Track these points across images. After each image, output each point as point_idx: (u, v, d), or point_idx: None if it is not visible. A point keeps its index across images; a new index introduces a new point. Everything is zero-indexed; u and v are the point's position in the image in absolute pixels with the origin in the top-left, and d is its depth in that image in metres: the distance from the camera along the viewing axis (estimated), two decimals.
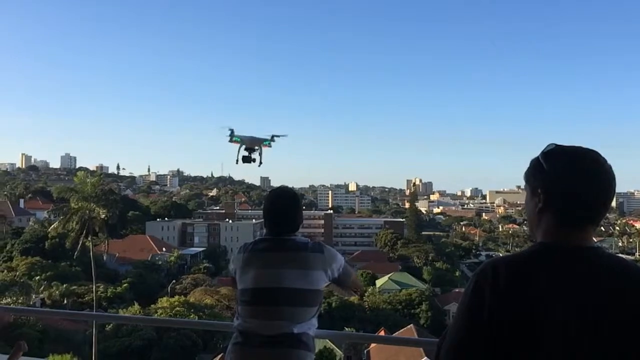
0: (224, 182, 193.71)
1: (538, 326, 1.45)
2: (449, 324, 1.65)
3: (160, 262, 60.09)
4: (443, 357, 1.54)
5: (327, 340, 31.13)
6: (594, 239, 1.63)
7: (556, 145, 1.63)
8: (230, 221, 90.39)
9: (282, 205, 2.97)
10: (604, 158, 1.60)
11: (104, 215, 42.05)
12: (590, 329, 1.44)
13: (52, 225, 47.49)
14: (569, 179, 1.56)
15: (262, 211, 3.09)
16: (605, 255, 1.59)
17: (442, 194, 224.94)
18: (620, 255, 1.77)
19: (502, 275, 1.51)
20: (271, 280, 2.79)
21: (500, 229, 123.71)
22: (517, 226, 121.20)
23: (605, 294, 1.48)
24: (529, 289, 1.48)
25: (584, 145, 1.64)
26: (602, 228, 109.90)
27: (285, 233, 2.90)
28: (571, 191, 1.56)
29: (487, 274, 1.54)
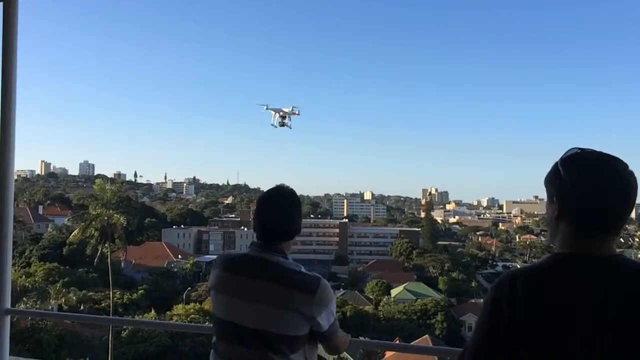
0: (240, 190, 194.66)
1: (558, 337, 1.43)
2: (469, 338, 1.63)
3: (175, 269, 60.41)
4: None
5: None
6: (615, 248, 1.58)
7: (578, 150, 1.60)
8: (246, 229, 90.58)
9: (274, 205, 2.37)
10: (623, 165, 1.56)
11: (125, 223, 42.60)
12: (611, 337, 1.42)
13: (73, 232, 48.11)
14: (583, 189, 1.53)
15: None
16: (627, 262, 1.55)
17: (458, 203, 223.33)
18: None
19: (520, 287, 1.49)
20: (241, 315, 2.22)
21: (517, 240, 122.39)
22: (534, 237, 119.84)
23: (625, 299, 1.45)
24: (547, 301, 1.46)
25: (610, 151, 1.60)
26: (621, 239, 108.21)
27: (276, 241, 2.30)
28: (585, 201, 1.53)
29: (504, 286, 1.52)
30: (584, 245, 1.54)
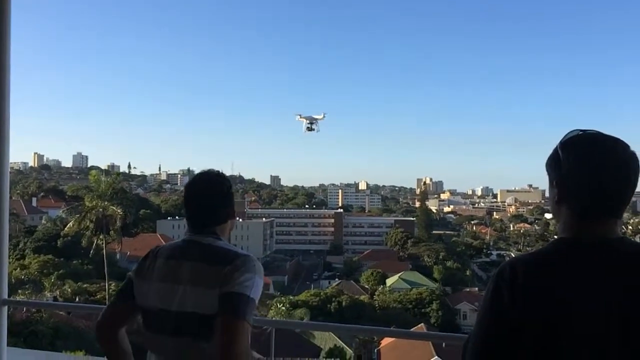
0: (234, 181, 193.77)
1: (559, 323, 1.40)
2: (471, 326, 1.60)
3: None
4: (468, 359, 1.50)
5: (338, 339, 31.21)
6: (618, 230, 1.53)
7: (579, 131, 1.56)
8: (241, 220, 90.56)
9: (200, 191, 2.23)
10: (624, 147, 1.52)
11: (122, 214, 42.52)
12: (616, 327, 1.38)
13: (68, 224, 47.96)
14: (582, 172, 1.50)
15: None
16: (630, 244, 1.51)
17: (453, 192, 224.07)
18: None
19: (520, 274, 1.46)
20: (165, 299, 2.06)
21: (512, 228, 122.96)
22: (528, 225, 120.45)
23: (627, 285, 1.41)
24: (548, 287, 1.43)
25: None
26: None
27: (207, 225, 2.17)
28: (584, 184, 1.50)
29: (505, 274, 1.49)
30: (585, 229, 1.50)
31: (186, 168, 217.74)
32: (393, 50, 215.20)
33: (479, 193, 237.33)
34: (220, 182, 2.27)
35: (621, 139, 1.55)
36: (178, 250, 2.16)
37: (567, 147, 1.55)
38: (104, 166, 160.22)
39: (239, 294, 1.93)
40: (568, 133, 1.57)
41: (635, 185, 1.52)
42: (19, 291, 36.49)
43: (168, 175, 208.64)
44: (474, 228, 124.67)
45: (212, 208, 2.21)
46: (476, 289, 58.77)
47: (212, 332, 1.93)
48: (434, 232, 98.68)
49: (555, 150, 1.57)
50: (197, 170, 2.38)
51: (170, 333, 2.05)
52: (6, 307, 3.86)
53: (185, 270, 2.06)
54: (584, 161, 1.51)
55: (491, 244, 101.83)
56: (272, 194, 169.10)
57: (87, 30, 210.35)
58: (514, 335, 1.42)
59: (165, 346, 2.08)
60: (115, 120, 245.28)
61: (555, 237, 1.61)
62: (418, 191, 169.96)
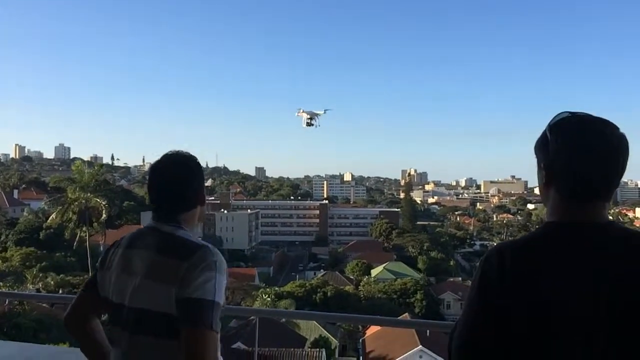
0: (219, 172, 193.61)
1: (548, 309, 1.38)
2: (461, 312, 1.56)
3: None
4: (455, 346, 1.48)
5: (323, 329, 31.37)
6: (606, 214, 1.51)
7: (568, 114, 1.53)
8: (226, 211, 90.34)
9: (165, 173, 2.03)
10: (612, 128, 1.49)
11: (106, 205, 42.15)
12: (603, 308, 1.36)
13: (51, 216, 47.39)
14: (569, 153, 1.47)
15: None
16: (619, 230, 1.49)
17: (437, 184, 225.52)
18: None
19: (507, 259, 1.44)
20: (120, 291, 1.94)
21: (495, 219, 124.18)
22: (511, 216, 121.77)
23: (615, 272, 1.39)
24: (536, 272, 1.41)
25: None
26: None
27: (171, 212, 1.99)
28: (571, 166, 1.47)
29: (492, 259, 1.47)
30: (573, 212, 1.49)
31: None
32: (376, 43, 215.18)
33: (463, 184, 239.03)
34: (190, 165, 2.05)
35: (610, 120, 1.52)
36: (137, 238, 2.01)
37: (555, 129, 1.52)
38: (86, 157, 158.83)
39: (202, 300, 1.77)
40: (557, 115, 1.55)
41: (624, 168, 1.50)
42: (0, 284, 36.09)
43: None
44: (458, 219, 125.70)
45: (180, 193, 2.01)
46: (460, 279, 59.36)
47: (166, 330, 1.82)
48: (418, 222, 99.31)
49: (544, 133, 1.55)
50: None
51: (125, 327, 1.92)
52: None
53: (140, 260, 1.92)
54: (572, 143, 1.48)
55: (475, 234, 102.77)
56: (257, 185, 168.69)
57: (72, 22, 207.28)
58: (502, 322, 1.40)
59: (121, 341, 1.95)
60: (98, 112, 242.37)
61: (537, 226, 1.62)
62: (403, 182, 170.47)
